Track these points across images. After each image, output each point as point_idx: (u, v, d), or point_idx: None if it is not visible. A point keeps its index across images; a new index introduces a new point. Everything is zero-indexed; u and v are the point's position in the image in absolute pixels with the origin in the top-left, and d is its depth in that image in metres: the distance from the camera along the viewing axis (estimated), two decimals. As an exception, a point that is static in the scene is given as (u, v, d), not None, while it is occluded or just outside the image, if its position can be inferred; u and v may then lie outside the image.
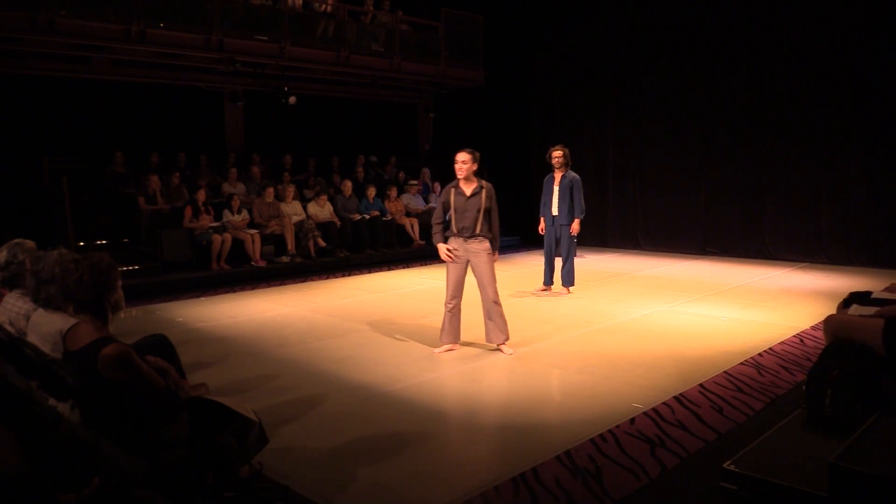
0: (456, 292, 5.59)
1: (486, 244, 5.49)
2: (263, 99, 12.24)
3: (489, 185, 5.55)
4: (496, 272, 5.61)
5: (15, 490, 2.32)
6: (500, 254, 5.71)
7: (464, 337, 5.83)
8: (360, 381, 4.88)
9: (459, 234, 5.50)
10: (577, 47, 13.24)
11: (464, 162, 5.47)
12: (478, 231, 5.46)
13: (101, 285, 2.69)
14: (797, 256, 10.59)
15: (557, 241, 8.03)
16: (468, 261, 5.54)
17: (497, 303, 5.53)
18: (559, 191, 7.91)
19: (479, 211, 5.44)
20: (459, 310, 5.65)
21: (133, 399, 2.63)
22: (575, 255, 8.23)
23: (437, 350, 5.63)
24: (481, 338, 5.73)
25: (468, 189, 5.49)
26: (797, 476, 2.93)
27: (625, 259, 11.47)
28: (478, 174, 5.62)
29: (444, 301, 5.62)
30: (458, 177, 5.52)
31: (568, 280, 8.09)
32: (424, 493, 3.22)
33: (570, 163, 8.08)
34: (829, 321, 3.94)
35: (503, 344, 5.59)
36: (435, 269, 10.48)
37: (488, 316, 5.57)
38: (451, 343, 5.66)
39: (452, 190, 5.55)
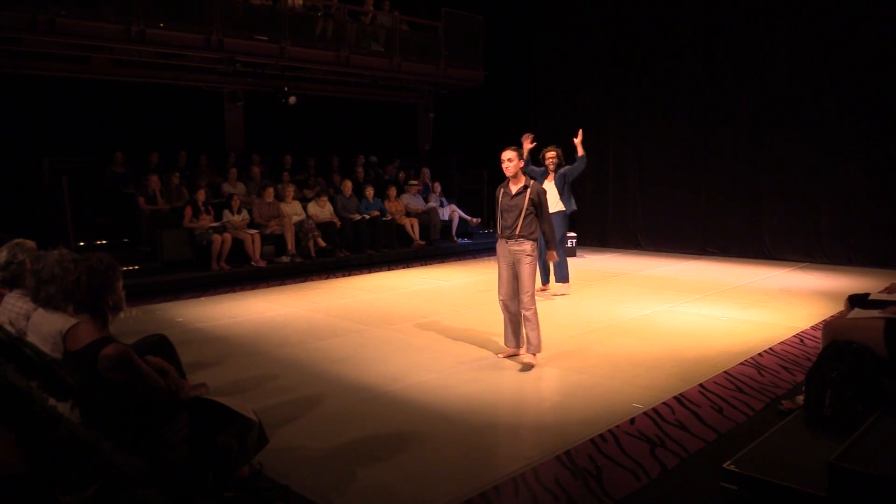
0: (504, 293, 5.30)
1: (528, 246, 5.14)
2: (263, 99, 12.23)
3: (537, 185, 5.28)
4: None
5: (15, 490, 2.32)
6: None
7: (468, 340, 5.82)
8: (360, 381, 4.88)
9: (501, 234, 5.27)
10: (577, 47, 13.25)
11: (510, 160, 5.16)
12: (518, 232, 5.14)
13: (99, 286, 2.68)
14: (797, 256, 10.58)
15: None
16: (514, 262, 5.22)
17: (527, 309, 5.17)
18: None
19: (521, 211, 5.15)
20: (514, 314, 5.33)
21: (133, 399, 2.63)
22: (572, 256, 8.17)
23: (498, 354, 5.48)
24: (485, 341, 5.72)
25: (514, 188, 5.22)
26: (797, 476, 2.93)
27: (625, 259, 11.46)
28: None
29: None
30: (506, 175, 5.24)
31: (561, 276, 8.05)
32: (424, 493, 3.22)
33: (564, 163, 8.05)
34: (828, 326, 3.94)
35: (521, 351, 5.33)
36: (435, 270, 10.49)
37: (524, 319, 5.26)
38: (509, 348, 5.44)
39: (501, 189, 5.31)
